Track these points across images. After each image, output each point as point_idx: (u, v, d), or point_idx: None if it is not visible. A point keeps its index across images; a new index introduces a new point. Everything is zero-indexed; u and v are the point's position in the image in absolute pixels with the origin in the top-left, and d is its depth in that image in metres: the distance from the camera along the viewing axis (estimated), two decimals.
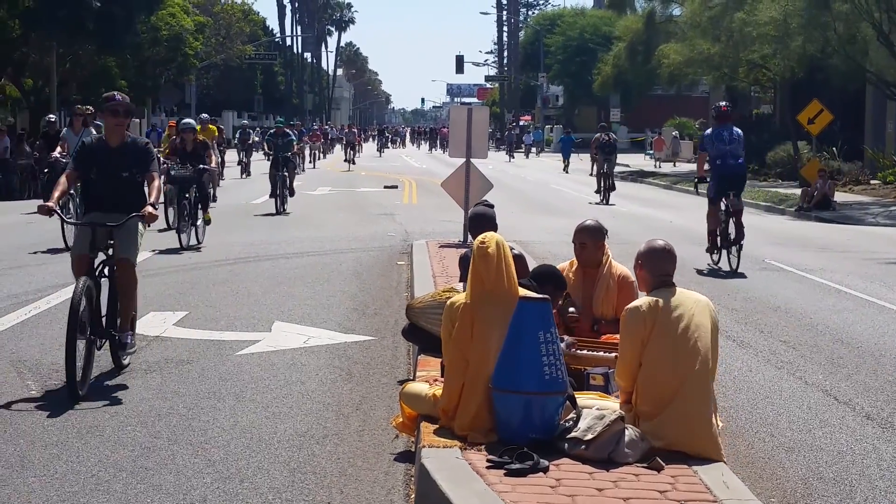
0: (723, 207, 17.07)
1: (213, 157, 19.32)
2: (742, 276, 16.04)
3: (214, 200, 25.87)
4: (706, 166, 17.71)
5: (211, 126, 31.95)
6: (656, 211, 29.51)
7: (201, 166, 18.74)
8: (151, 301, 13.05)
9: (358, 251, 18.35)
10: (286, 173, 27.30)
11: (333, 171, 48.31)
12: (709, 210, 17.37)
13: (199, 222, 18.85)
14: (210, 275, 15.42)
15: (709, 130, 17.74)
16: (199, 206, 18.88)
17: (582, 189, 38.37)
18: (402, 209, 28.18)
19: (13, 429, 7.66)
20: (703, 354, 6.58)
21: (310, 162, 52.13)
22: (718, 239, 17.08)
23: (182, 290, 14.06)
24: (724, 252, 16.94)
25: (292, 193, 27.95)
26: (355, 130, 62.01)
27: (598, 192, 32.98)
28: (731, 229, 16.84)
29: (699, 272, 16.31)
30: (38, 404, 8.32)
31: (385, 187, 37.15)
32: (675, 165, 57.34)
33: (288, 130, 29.57)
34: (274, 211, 26.13)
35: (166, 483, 6.55)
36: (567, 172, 50.97)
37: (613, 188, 32.61)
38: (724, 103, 18.64)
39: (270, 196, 26.98)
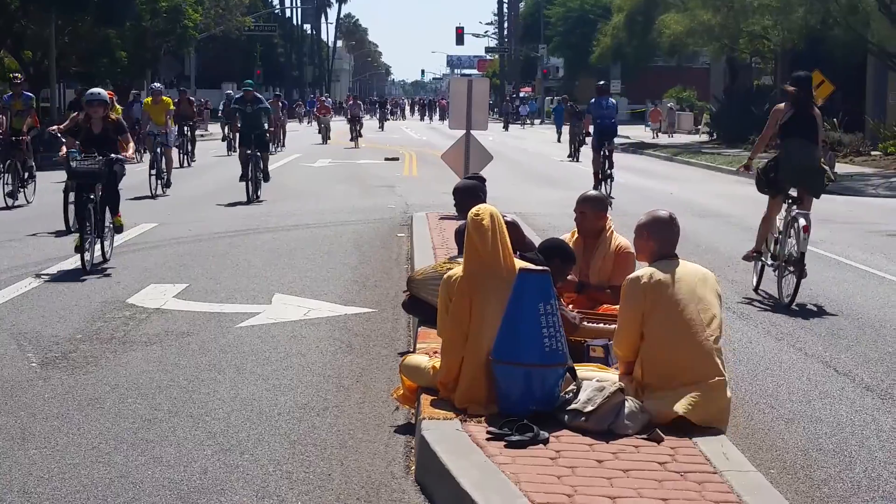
0: (603, 154, 23.35)
1: (130, 144, 14.34)
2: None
3: (168, 186, 23.92)
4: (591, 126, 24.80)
5: (165, 98, 27.80)
6: (657, 182, 29.47)
7: (113, 156, 13.82)
8: (152, 273, 13.06)
9: (358, 223, 18.35)
10: (259, 153, 22.65)
11: (335, 145, 48.17)
12: (592, 157, 24.06)
13: (108, 231, 14.13)
14: (210, 247, 15.42)
15: (593, 100, 24.50)
16: (108, 209, 14.16)
17: (581, 160, 38.34)
18: (402, 181, 28.16)
19: (14, 401, 7.67)
20: (708, 325, 6.57)
21: (320, 138, 50.21)
22: (599, 175, 23.37)
23: (182, 262, 14.05)
24: (602, 183, 22.95)
25: (266, 178, 23.20)
26: (360, 103, 55.34)
27: (570, 155, 38.48)
28: (607, 167, 23.26)
29: (698, 246, 16.33)
30: (39, 377, 8.33)
31: (386, 159, 36.91)
32: (670, 136, 57.29)
33: (259, 95, 23.76)
34: (245, 199, 21.93)
35: (167, 455, 6.56)
36: (560, 143, 50.65)
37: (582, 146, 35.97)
38: (602, 82, 25.64)
39: (241, 179, 22.44)
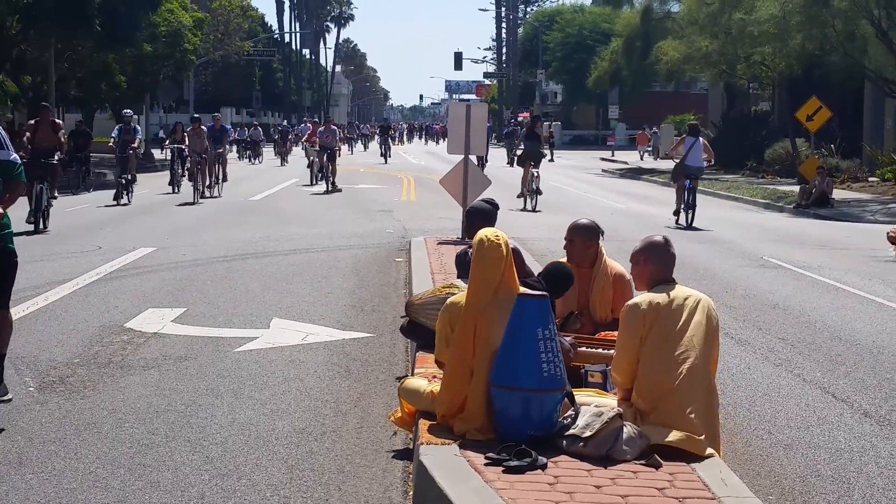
0: (533, 173, 28.03)
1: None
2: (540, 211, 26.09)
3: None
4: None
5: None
6: (655, 208, 29.49)
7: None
8: (149, 297, 13.06)
9: (356, 248, 18.35)
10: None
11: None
12: (524, 172, 28.46)
13: None
14: (208, 271, 15.42)
15: (514, 128, 33.12)
16: None
17: (580, 186, 38.39)
18: (400, 206, 28.18)
19: (11, 426, 7.65)
20: (703, 351, 6.57)
21: (318, 175, 35.95)
22: (527, 190, 28.02)
23: (180, 286, 14.05)
24: (531, 197, 27.70)
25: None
26: (335, 129, 37.10)
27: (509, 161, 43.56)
28: (536, 185, 27.83)
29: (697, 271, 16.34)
30: (37, 401, 8.32)
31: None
32: (655, 160, 57.58)
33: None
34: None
35: (164, 480, 6.55)
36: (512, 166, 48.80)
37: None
38: (530, 110, 34.64)
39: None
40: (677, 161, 25.16)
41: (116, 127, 30.75)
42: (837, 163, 38.59)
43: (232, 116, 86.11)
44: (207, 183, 30.85)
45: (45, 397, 8.43)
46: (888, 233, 7.87)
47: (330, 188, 33.41)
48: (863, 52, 34.44)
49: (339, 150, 37.59)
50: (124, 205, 27.30)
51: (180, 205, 27.54)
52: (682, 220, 23.86)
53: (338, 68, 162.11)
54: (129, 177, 28.69)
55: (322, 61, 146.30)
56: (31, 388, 8.69)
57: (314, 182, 36.23)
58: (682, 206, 24.00)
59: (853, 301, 13.88)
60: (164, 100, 66.26)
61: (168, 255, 17.05)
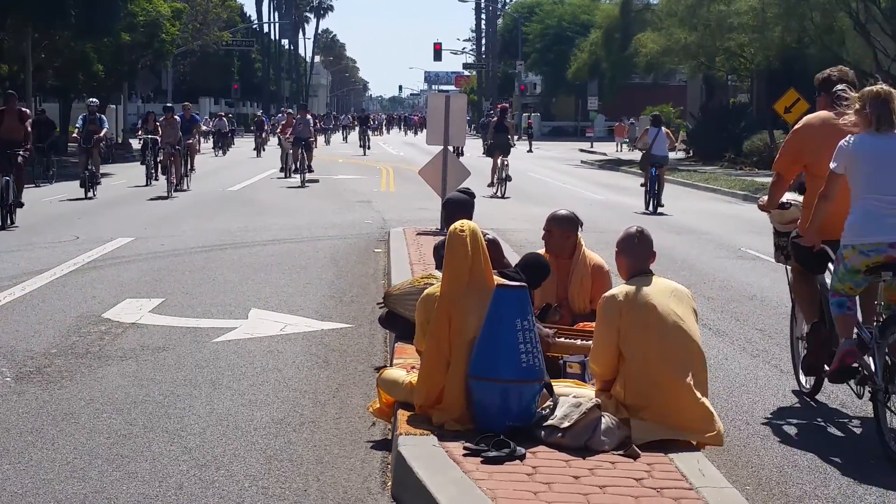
0: (499, 163, 29.28)
1: None
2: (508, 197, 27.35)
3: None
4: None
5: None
6: (634, 199, 29.55)
7: None
8: (127, 288, 13.02)
9: (335, 239, 18.33)
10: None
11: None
12: (493, 162, 29.83)
13: None
14: (186, 262, 15.38)
15: (491, 119, 32.22)
16: None
17: (559, 177, 38.43)
18: (379, 197, 28.16)
19: None
20: (686, 342, 6.59)
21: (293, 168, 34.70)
22: (497, 179, 29.32)
23: (158, 276, 14.01)
24: (500, 185, 29.12)
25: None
26: (309, 118, 35.99)
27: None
28: (505, 173, 29.12)
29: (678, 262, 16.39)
30: (13, 391, 8.29)
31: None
32: (631, 151, 57.54)
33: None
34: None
35: (142, 470, 6.53)
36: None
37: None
38: (502, 103, 32.03)
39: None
40: (643, 151, 27.15)
41: (81, 116, 29.22)
42: None
43: (210, 107, 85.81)
44: (182, 174, 29.95)
45: (23, 387, 8.39)
46: (758, 203, 7.68)
47: (305, 181, 32.33)
48: (841, 45, 34.58)
49: (315, 140, 36.77)
50: (90, 198, 26.30)
51: (152, 199, 26.77)
52: (651, 208, 25.23)
53: (317, 59, 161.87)
54: (94, 169, 27.26)
55: (301, 52, 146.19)
56: (7, 379, 8.65)
57: (287, 175, 35.39)
58: (647, 193, 25.59)
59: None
60: (142, 90, 65.91)
61: (146, 246, 17.00)
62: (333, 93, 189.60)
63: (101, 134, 28.82)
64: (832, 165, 7.35)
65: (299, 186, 31.65)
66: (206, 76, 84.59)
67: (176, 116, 30.75)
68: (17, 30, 39.22)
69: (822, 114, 8.10)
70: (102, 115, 30.01)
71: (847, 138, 7.34)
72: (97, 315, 11.30)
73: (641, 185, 26.56)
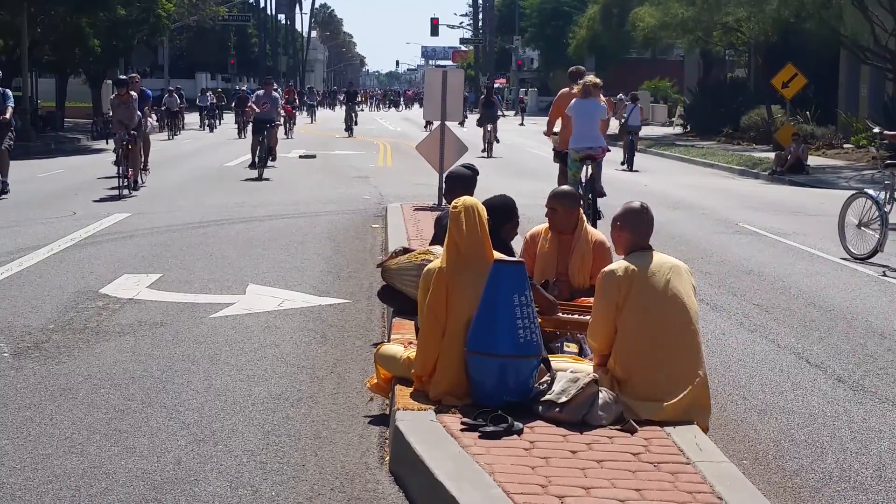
0: (488, 129, 36.69)
1: None
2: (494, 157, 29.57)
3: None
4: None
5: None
6: (631, 175, 29.53)
7: None
8: (125, 263, 13.01)
9: (332, 214, 18.32)
10: None
11: (306, 133, 47.82)
12: (483, 131, 36.45)
13: None
14: (184, 237, 15.37)
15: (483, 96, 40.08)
16: None
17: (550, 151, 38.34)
18: (376, 172, 28.12)
19: None
20: (684, 316, 6.58)
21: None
22: (486, 143, 36.18)
23: (156, 252, 14.00)
24: (488, 148, 35.68)
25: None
26: (276, 95, 28.58)
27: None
28: (491, 137, 36.72)
29: (674, 237, 16.39)
30: (11, 367, 8.29)
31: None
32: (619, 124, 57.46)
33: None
34: None
35: (140, 445, 6.54)
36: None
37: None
38: (498, 77, 39.81)
39: None
40: (622, 122, 34.83)
41: None
42: (813, 130, 38.66)
43: (207, 82, 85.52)
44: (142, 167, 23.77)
45: (20, 363, 8.40)
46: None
47: (262, 175, 25.60)
48: (838, 20, 34.45)
49: (279, 122, 30.25)
50: None
51: (97, 200, 20.11)
52: (627, 166, 31.62)
53: (314, 34, 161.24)
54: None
55: (298, 27, 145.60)
56: (5, 354, 8.66)
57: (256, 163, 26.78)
58: (625, 153, 32.58)
59: (827, 267, 13.95)
60: (138, 65, 65.81)
61: (143, 221, 16.98)
62: (330, 68, 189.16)
63: (7, 115, 21.45)
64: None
65: (258, 180, 25.11)
66: (203, 51, 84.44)
67: (132, 93, 22.91)
68: (13, 4, 39.05)
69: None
70: (7, 90, 21.92)
71: None
72: (95, 291, 11.30)
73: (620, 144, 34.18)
